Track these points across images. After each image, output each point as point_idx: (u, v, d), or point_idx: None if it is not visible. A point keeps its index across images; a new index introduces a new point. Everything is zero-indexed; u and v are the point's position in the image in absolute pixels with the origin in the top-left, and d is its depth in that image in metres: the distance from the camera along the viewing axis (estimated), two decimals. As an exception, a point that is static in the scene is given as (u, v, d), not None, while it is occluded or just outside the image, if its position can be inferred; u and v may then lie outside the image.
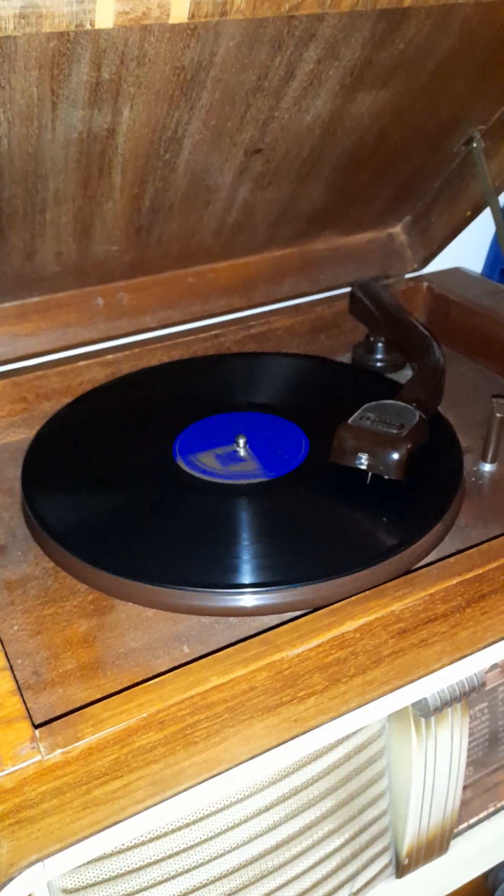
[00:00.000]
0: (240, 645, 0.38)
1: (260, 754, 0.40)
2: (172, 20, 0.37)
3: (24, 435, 0.63)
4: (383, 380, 0.64)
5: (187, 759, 0.37)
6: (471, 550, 0.44)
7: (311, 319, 0.73)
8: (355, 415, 0.50)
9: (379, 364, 0.67)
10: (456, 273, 0.79)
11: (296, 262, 0.73)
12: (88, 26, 0.35)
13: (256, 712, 0.38)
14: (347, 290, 0.73)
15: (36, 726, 0.34)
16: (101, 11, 0.34)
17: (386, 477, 0.48)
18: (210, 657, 0.38)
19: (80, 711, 0.35)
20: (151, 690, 0.36)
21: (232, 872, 0.46)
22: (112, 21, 0.35)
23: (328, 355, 0.73)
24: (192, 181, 0.57)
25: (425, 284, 0.77)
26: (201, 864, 0.45)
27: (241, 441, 0.55)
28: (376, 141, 0.60)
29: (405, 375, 0.64)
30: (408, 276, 0.78)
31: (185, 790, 0.39)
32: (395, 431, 0.47)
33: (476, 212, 0.71)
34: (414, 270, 0.78)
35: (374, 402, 0.51)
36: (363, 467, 0.48)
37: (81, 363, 0.65)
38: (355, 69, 0.51)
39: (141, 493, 0.52)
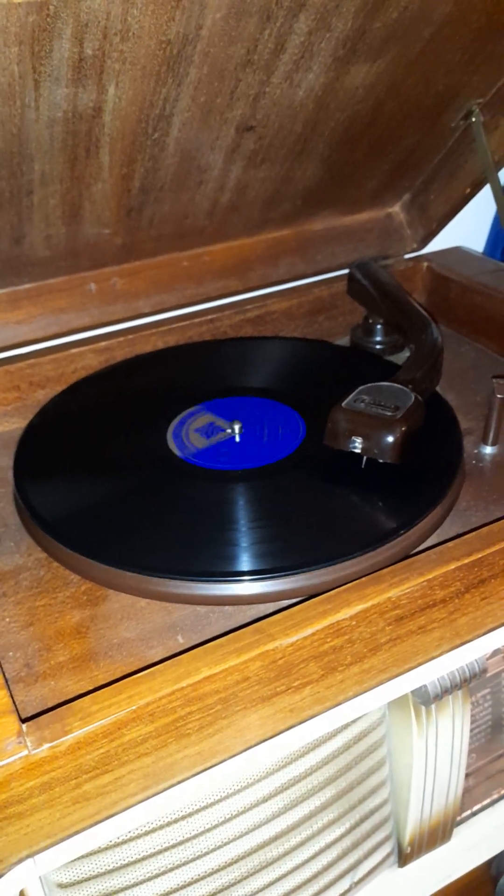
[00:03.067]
0: (232, 635, 0.37)
1: (255, 745, 0.40)
2: (151, -12, 0.35)
3: (17, 424, 0.62)
4: (381, 362, 0.63)
5: (180, 751, 0.37)
6: (469, 535, 0.43)
7: (309, 301, 0.72)
8: (349, 397, 0.49)
9: (378, 346, 0.65)
10: (456, 252, 0.77)
11: (292, 243, 0.72)
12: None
13: (250, 703, 0.38)
14: (346, 271, 0.72)
15: (24, 720, 0.34)
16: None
17: (381, 461, 0.47)
18: (201, 647, 0.37)
19: (69, 705, 0.34)
20: (141, 682, 0.35)
21: (232, 863, 0.45)
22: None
23: (327, 337, 0.72)
24: (182, 160, 0.55)
25: (425, 264, 0.75)
26: (200, 856, 0.44)
27: (237, 427, 0.54)
28: (371, 115, 0.59)
29: (405, 357, 0.63)
30: (407, 255, 0.76)
31: (180, 783, 0.38)
32: (389, 414, 0.46)
33: (476, 188, 0.69)
34: (414, 250, 0.76)
35: (368, 385, 0.49)
36: (357, 451, 0.47)
37: (75, 350, 0.64)
38: (348, 40, 0.49)
39: (135, 482, 0.52)
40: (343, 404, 0.48)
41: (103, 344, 0.65)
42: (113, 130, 0.49)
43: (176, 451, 0.53)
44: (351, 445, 0.47)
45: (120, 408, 0.59)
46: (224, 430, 0.55)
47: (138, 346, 0.66)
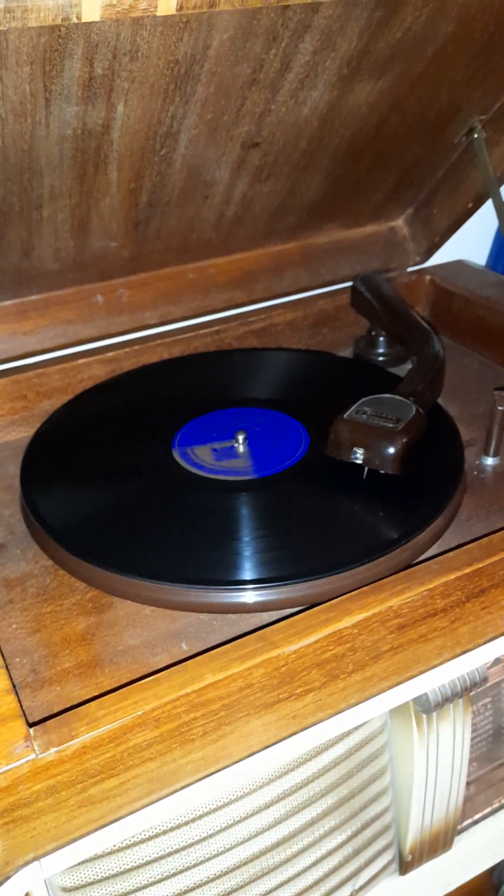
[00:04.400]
0: (236, 642, 0.38)
1: (258, 751, 0.40)
2: (160, 12, 0.36)
3: (24, 433, 0.63)
4: (384, 374, 0.63)
5: (184, 756, 0.37)
6: (470, 545, 0.43)
7: (313, 313, 0.73)
8: (351, 409, 0.49)
9: (381, 358, 0.66)
10: (459, 265, 0.78)
11: (297, 256, 0.72)
12: (75, 20, 0.34)
13: (253, 709, 0.38)
14: (349, 283, 0.72)
15: (30, 725, 0.34)
16: (88, 5, 0.34)
17: (382, 472, 0.48)
18: (206, 654, 0.37)
19: (75, 710, 0.35)
20: (146, 688, 0.36)
21: (233, 870, 0.46)
22: (99, 14, 0.35)
23: (330, 349, 0.73)
24: (189, 176, 0.56)
25: (428, 277, 0.76)
26: (202, 862, 0.45)
27: (241, 437, 0.55)
28: (375, 132, 0.60)
29: (407, 369, 0.64)
30: (410, 268, 0.77)
31: (183, 788, 0.39)
32: (391, 425, 0.47)
33: (478, 203, 0.70)
34: (416, 263, 0.77)
35: (370, 396, 0.50)
36: (359, 462, 0.48)
37: (81, 361, 0.65)
38: (352, 59, 0.51)
39: (140, 491, 0.52)
40: (345, 416, 0.49)
41: (110, 355, 0.66)
42: (121, 147, 0.50)
43: (180, 461, 0.54)
44: (353, 456, 0.48)
45: (125, 417, 0.60)
46: (228, 441, 0.56)
47: (144, 356, 0.67)
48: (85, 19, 0.34)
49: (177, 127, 0.51)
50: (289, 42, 0.47)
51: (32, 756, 0.33)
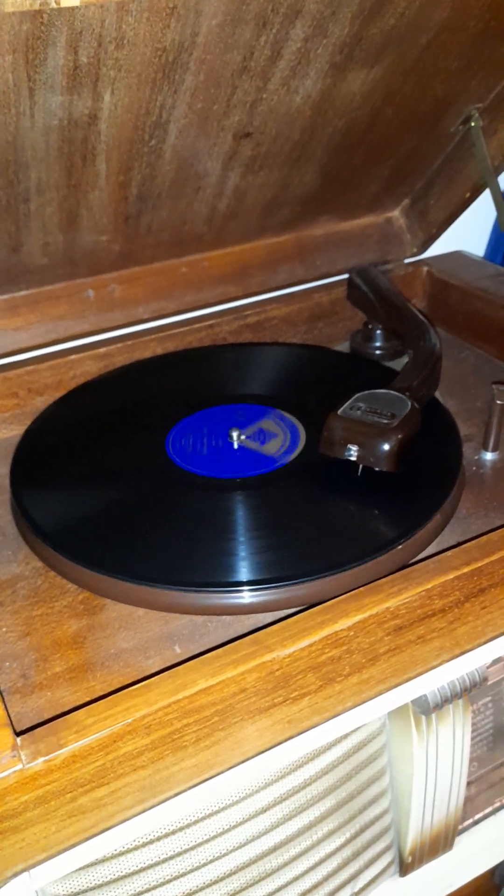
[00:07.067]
0: (229, 646, 0.37)
1: (253, 757, 0.39)
2: (143, -4, 0.35)
3: (16, 431, 0.62)
4: (381, 368, 0.62)
5: (176, 763, 0.36)
6: (468, 544, 0.42)
7: (309, 307, 0.71)
8: (345, 405, 0.48)
9: (378, 351, 0.65)
10: (456, 256, 0.77)
11: (291, 249, 0.71)
12: (54, 4, 0.33)
13: (248, 714, 0.37)
14: (346, 276, 0.71)
15: (18, 733, 0.34)
16: (67, -11, 0.33)
17: (377, 469, 0.47)
18: (198, 659, 0.36)
19: (64, 717, 0.34)
20: (137, 695, 0.35)
21: (231, 874, 0.45)
22: (79, -1, 0.34)
23: (327, 343, 0.72)
24: (179, 167, 0.55)
25: (425, 269, 0.75)
26: (199, 867, 0.44)
27: (235, 434, 0.54)
28: (369, 121, 0.58)
29: (404, 363, 0.63)
30: (407, 260, 0.76)
31: (177, 794, 0.38)
32: (385, 422, 0.46)
33: (475, 193, 0.69)
34: (413, 255, 0.76)
35: (365, 392, 0.49)
36: (353, 459, 0.47)
37: (73, 357, 0.64)
38: (345, 47, 0.49)
39: (132, 491, 0.51)
40: (339, 412, 0.48)
41: (102, 350, 0.64)
42: (109, 138, 0.49)
43: (174, 459, 0.53)
44: (347, 454, 0.47)
45: (118, 415, 0.59)
46: (222, 438, 0.55)
47: (137, 352, 0.66)
48: (65, 4, 0.33)
49: (166, 117, 0.49)
50: (279, 28, 0.45)
51: (20, 766, 0.32)
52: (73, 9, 0.38)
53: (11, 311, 0.62)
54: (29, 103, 0.44)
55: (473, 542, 0.43)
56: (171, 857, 0.43)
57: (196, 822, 0.43)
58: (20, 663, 0.42)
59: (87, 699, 0.39)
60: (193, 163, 0.55)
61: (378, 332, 0.65)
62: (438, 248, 0.77)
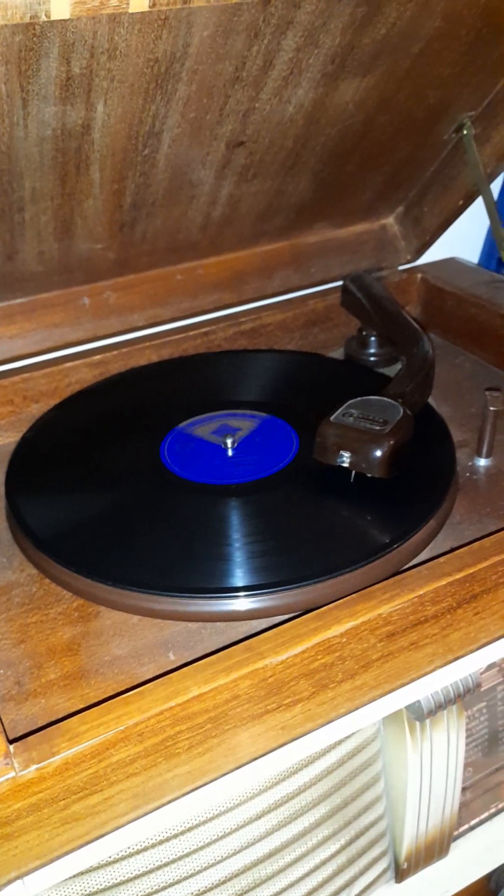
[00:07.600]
0: (222, 653, 0.37)
1: (246, 764, 0.40)
2: (133, 9, 0.35)
3: (11, 438, 0.62)
4: (375, 375, 0.63)
5: (170, 770, 0.37)
6: (461, 550, 0.43)
7: (304, 314, 0.72)
8: (338, 411, 0.49)
9: (372, 358, 0.65)
10: (450, 263, 0.77)
11: (286, 256, 0.72)
12: (44, 17, 0.33)
13: (241, 721, 0.37)
14: (340, 283, 0.72)
15: (11, 741, 0.34)
16: (57, 2, 0.33)
17: (369, 475, 0.47)
18: (191, 666, 0.37)
19: (57, 725, 0.34)
20: (130, 702, 0.35)
21: (225, 881, 0.45)
22: (69, 12, 0.34)
23: (322, 350, 0.72)
24: (173, 176, 0.55)
25: (419, 275, 0.75)
26: (194, 874, 0.44)
27: (229, 441, 0.54)
28: (362, 130, 0.59)
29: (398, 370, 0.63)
30: (402, 267, 0.76)
31: (171, 802, 0.38)
32: (377, 428, 0.46)
33: (469, 200, 0.69)
34: (408, 262, 0.76)
35: (358, 398, 0.49)
36: (346, 465, 0.47)
37: (69, 364, 0.64)
38: (337, 56, 0.50)
39: (127, 498, 0.51)
40: (331, 419, 0.48)
41: (97, 358, 0.65)
42: (103, 147, 0.49)
43: (169, 466, 0.53)
44: (339, 460, 0.47)
45: (113, 422, 0.59)
46: (217, 444, 0.55)
47: (132, 359, 0.66)
48: (54, 16, 0.34)
49: (159, 126, 0.50)
50: (271, 39, 0.46)
51: (13, 774, 0.32)
52: (65, 21, 0.38)
53: (7, 318, 0.63)
54: (22, 113, 0.44)
55: (466, 548, 0.43)
56: (166, 865, 0.43)
57: (190, 829, 0.43)
58: (14, 671, 0.42)
59: (82, 706, 0.39)
60: (187, 171, 0.56)
61: (372, 338, 0.65)
62: (433, 254, 0.77)
